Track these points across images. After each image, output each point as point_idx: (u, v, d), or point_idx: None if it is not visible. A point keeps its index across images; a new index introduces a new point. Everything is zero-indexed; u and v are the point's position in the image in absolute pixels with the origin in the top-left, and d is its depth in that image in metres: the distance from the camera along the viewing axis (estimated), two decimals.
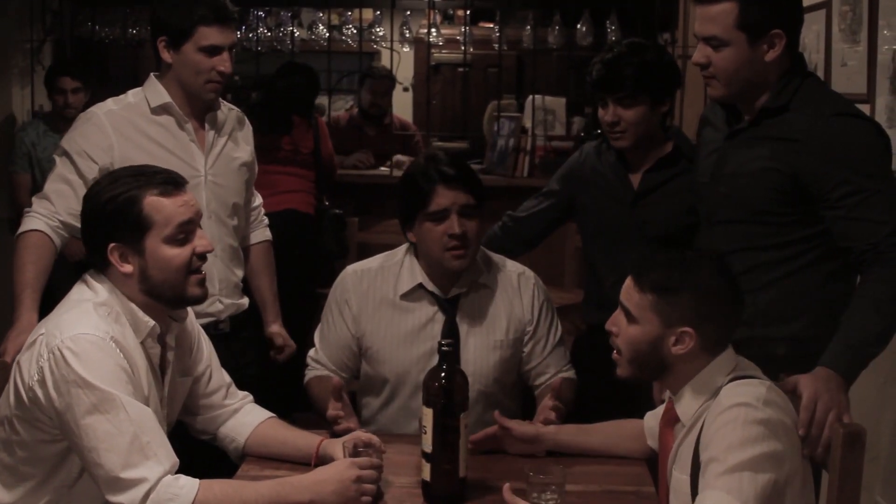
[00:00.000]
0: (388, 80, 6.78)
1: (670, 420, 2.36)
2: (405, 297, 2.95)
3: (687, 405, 2.28)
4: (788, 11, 2.66)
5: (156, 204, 2.30)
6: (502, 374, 2.99)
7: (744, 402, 2.13)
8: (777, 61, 2.62)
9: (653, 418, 2.61)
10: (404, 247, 3.02)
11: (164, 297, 2.35)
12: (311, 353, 3.09)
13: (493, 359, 2.96)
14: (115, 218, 2.29)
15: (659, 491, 2.44)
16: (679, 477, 2.25)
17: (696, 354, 2.25)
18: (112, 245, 2.30)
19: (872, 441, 2.49)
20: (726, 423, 2.11)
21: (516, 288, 3.02)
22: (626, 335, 2.31)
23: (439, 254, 2.85)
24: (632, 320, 2.30)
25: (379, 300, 2.97)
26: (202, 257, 2.37)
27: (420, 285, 2.94)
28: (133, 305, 2.33)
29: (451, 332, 2.93)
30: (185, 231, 2.33)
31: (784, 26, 2.61)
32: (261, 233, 3.48)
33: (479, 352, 2.95)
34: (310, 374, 3.06)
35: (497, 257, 3.08)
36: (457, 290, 2.95)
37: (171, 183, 2.35)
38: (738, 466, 2.06)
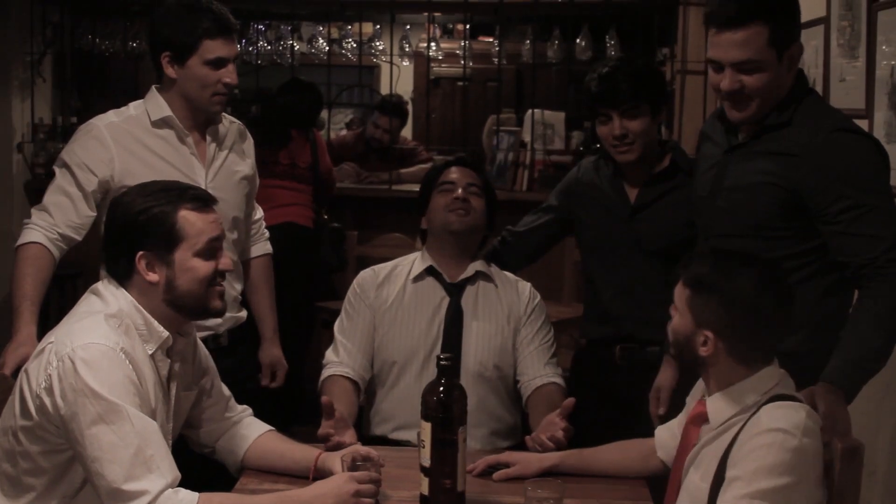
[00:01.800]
0: (396, 118, 6.67)
1: (698, 419, 2.34)
2: (416, 280, 3.13)
3: (720, 409, 2.27)
4: (799, 22, 2.67)
5: (189, 218, 2.36)
6: (501, 363, 3.09)
7: (783, 427, 2.12)
8: (793, 73, 2.64)
9: (666, 431, 2.59)
10: (417, 252, 3.21)
11: (188, 308, 2.38)
12: (329, 351, 3.15)
13: (495, 344, 3.09)
14: (147, 228, 2.34)
15: (668, 489, 2.42)
16: (698, 483, 2.24)
17: (726, 362, 2.25)
18: (140, 253, 2.34)
19: (870, 456, 2.48)
20: (761, 447, 2.11)
21: (514, 287, 3.19)
22: (672, 322, 2.33)
23: (443, 217, 3.09)
24: (676, 309, 2.31)
25: (393, 287, 3.14)
26: (223, 275, 2.43)
27: (430, 268, 3.13)
28: (149, 316, 2.35)
29: (456, 314, 3.09)
30: (214, 247, 2.39)
31: (798, 38, 2.63)
32: (261, 246, 3.47)
33: (482, 335, 3.09)
34: (327, 371, 3.11)
35: (496, 267, 3.22)
36: (463, 276, 3.12)
37: (203, 199, 2.42)
38: (759, 494, 2.07)
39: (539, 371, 3.08)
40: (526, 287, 3.20)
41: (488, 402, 3.05)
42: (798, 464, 2.10)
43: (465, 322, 3.09)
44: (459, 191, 3.09)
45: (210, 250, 2.38)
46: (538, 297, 3.20)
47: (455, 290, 3.11)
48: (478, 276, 3.14)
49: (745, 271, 2.25)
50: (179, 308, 2.37)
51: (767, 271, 2.28)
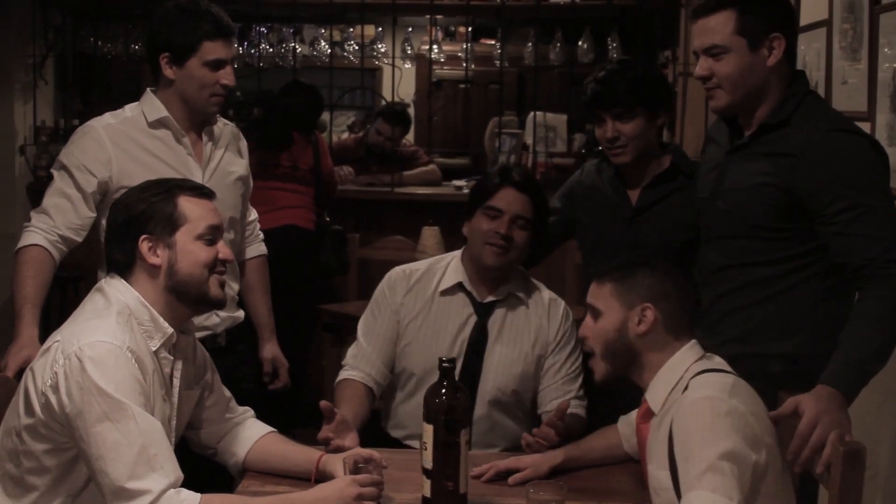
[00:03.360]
0: (398, 126, 6.65)
1: (646, 416, 2.38)
2: (445, 293, 3.07)
3: (656, 394, 2.31)
4: (786, 16, 2.69)
5: (189, 203, 2.40)
6: (521, 388, 3.05)
7: (709, 395, 2.16)
8: (778, 67, 2.64)
9: (626, 425, 2.63)
10: (453, 252, 3.15)
11: (189, 295, 2.39)
12: (351, 350, 3.13)
13: (516, 370, 3.04)
14: (149, 212, 2.38)
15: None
16: (657, 474, 2.25)
17: (660, 337, 2.31)
18: (143, 237, 2.36)
19: (871, 458, 2.49)
20: (695, 419, 2.12)
21: (546, 309, 3.10)
22: (594, 333, 2.38)
23: (480, 246, 2.99)
24: (597, 315, 2.37)
25: (421, 296, 3.08)
26: (224, 264, 2.45)
27: (460, 284, 3.06)
28: (155, 312, 2.36)
29: (480, 336, 3.03)
30: (213, 234, 2.42)
31: (782, 30, 2.64)
32: (256, 247, 3.48)
33: (503, 360, 3.03)
34: (343, 373, 3.10)
35: (534, 281, 3.16)
36: (493, 298, 3.06)
37: (200, 189, 2.47)
38: (716, 462, 2.06)
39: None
40: (559, 309, 3.11)
41: (503, 425, 3.02)
42: (739, 422, 2.12)
43: (488, 345, 3.03)
44: (504, 227, 2.96)
45: (210, 237, 2.41)
46: (570, 319, 3.11)
47: (483, 311, 3.05)
48: (509, 297, 3.07)
49: (656, 253, 2.46)
50: (181, 296, 2.38)
51: (671, 254, 2.49)
